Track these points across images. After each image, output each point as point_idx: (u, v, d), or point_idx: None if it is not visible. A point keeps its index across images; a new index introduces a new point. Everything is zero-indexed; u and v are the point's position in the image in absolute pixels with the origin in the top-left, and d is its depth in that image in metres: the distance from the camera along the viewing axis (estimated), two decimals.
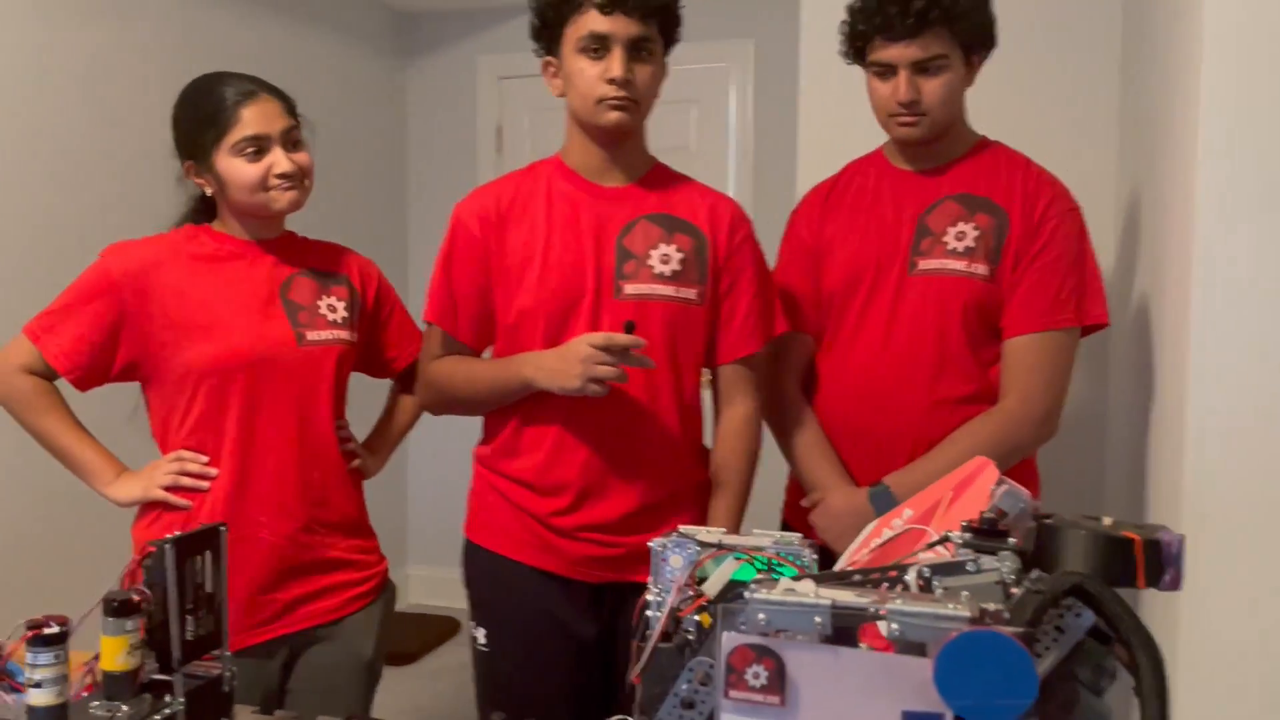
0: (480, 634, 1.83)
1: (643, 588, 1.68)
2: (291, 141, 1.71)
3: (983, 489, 1.09)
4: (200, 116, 1.70)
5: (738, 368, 1.83)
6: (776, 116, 3.72)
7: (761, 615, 0.78)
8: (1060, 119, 2.50)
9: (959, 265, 1.78)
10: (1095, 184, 1.95)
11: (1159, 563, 0.83)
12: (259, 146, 1.68)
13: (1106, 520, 0.91)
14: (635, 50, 1.71)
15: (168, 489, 1.69)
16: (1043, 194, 1.79)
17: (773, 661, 0.76)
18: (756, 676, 0.77)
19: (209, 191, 1.74)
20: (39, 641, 1.08)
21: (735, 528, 1.78)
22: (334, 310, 1.79)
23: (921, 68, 1.74)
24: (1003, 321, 1.78)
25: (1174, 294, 1.72)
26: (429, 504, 4.39)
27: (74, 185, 2.80)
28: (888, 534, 1.15)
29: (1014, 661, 0.71)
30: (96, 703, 1.17)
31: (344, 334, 1.78)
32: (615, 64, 1.69)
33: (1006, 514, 0.95)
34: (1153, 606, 1.64)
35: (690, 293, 1.77)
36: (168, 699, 1.21)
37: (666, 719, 0.89)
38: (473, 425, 1.87)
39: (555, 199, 1.80)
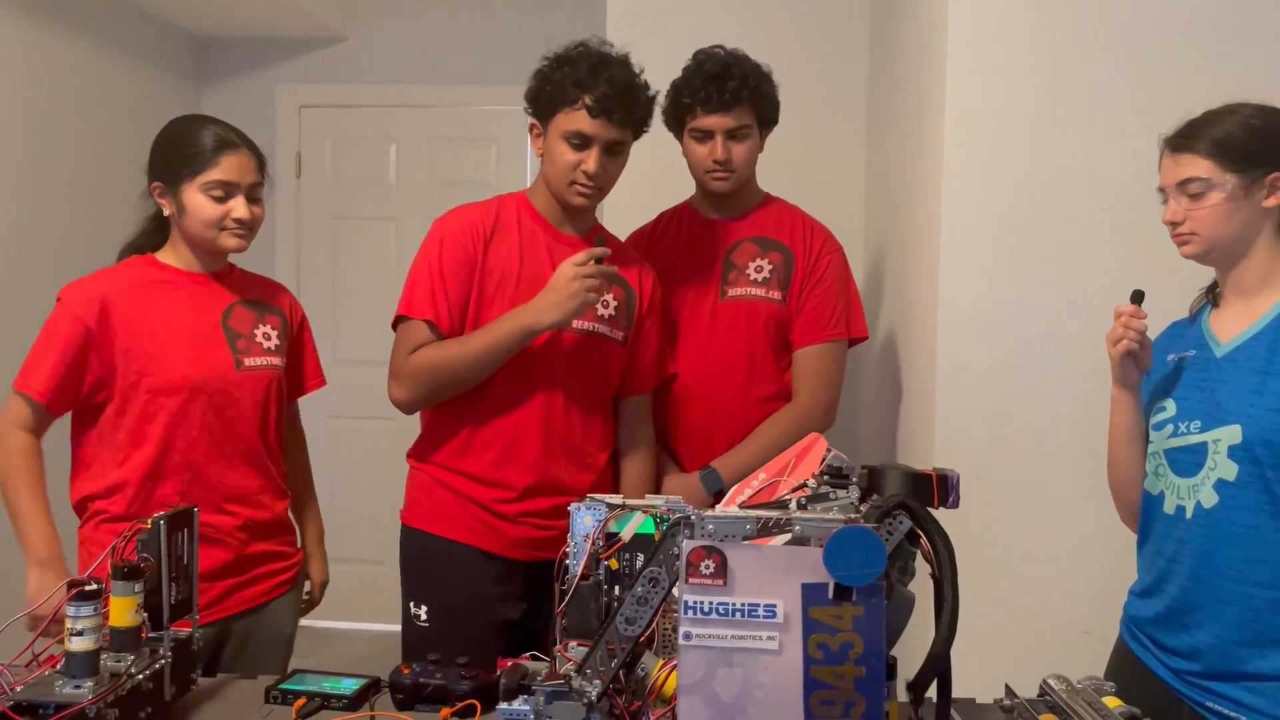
0: (422, 611, 2.05)
1: None
2: (254, 195, 1.92)
3: (816, 455, 1.53)
4: (183, 150, 1.88)
5: (644, 399, 2.20)
6: None
7: (710, 526, 1.15)
8: (817, 180, 3.01)
9: (760, 292, 2.26)
10: (845, 231, 2.48)
11: (946, 490, 1.27)
12: (226, 191, 1.87)
13: (908, 466, 1.35)
14: (610, 149, 1.99)
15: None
16: (817, 237, 2.31)
17: (718, 556, 1.14)
18: (707, 568, 1.14)
19: (167, 212, 1.92)
20: (81, 597, 1.27)
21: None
22: (269, 338, 2.00)
23: (732, 134, 2.20)
24: (792, 335, 2.27)
25: (922, 319, 2.26)
26: None
27: None
28: (749, 492, 1.56)
29: (871, 545, 1.12)
30: (106, 654, 1.36)
31: (276, 360, 2.01)
32: (592, 162, 1.96)
33: (840, 467, 1.38)
34: None
35: (619, 334, 2.11)
36: (160, 652, 1.42)
37: (626, 611, 1.23)
38: None
39: (525, 235, 2.06)
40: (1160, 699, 1.60)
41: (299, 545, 2.11)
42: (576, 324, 2.03)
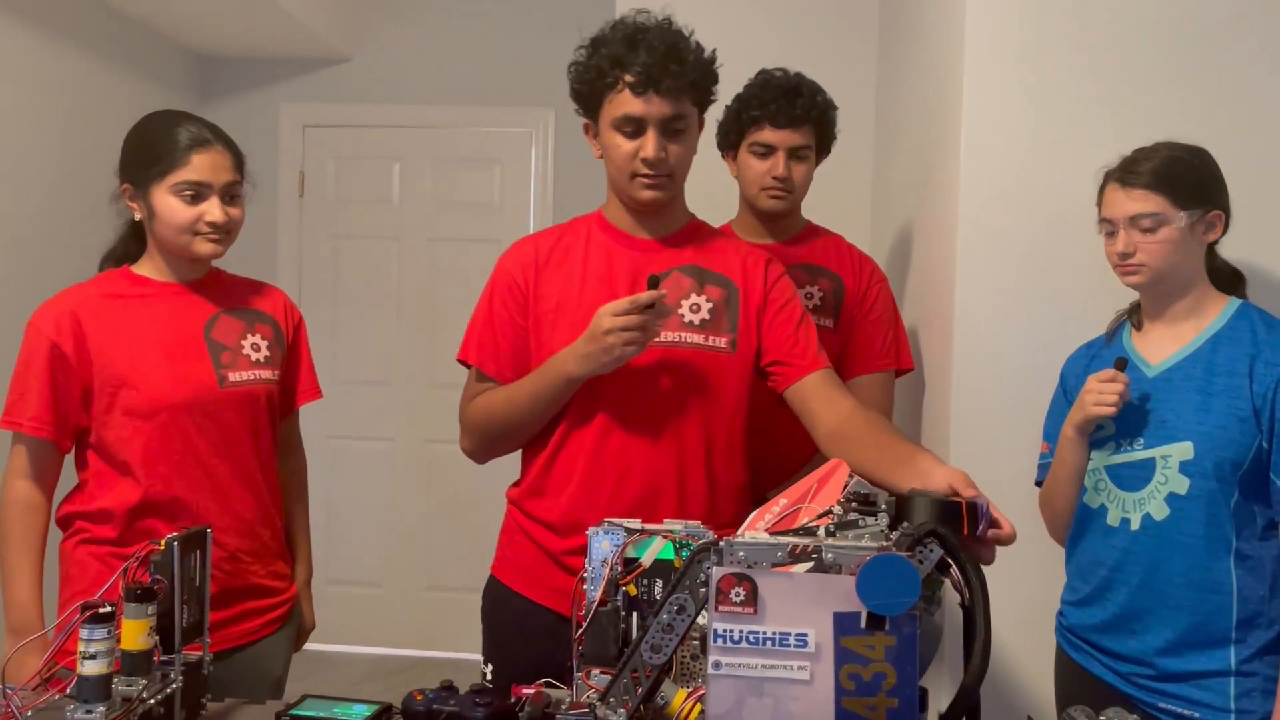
0: (488, 670, 1.83)
1: None
2: (230, 195, 1.79)
3: (838, 482, 1.51)
4: (152, 149, 1.76)
5: (822, 374, 1.81)
6: (575, 178, 4.12)
7: (741, 552, 1.13)
8: (822, 190, 3.02)
9: (814, 319, 2.21)
10: (851, 240, 2.47)
11: (976, 518, 1.27)
12: (198, 192, 1.74)
13: (936, 493, 1.33)
14: (668, 128, 1.75)
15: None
16: (865, 266, 2.29)
17: (749, 584, 1.12)
18: (737, 595, 1.12)
19: (138, 217, 1.80)
20: (94, 619, 1.24)
21: None
22: (257, 350, 1.86)
23: (794, 152, 2.19)
24: (845, 364, 2.22)
25: (938, 332, 2.26)
26: None
27: None
28: (768, 518, 1.54)
29: (905, 573, 1.10)
30: (118, 678, 1.33)
31: (266, 373, 1.87)
32: (649, 145, 1.73)
33: (868, 494, 1.36)
34: None
35: (721, 341, 1.81)
36: (171, 676, 1.39)
37: (652, 638, 1.20)
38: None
39: (592, 249, 1.85)
40: (1112, 703, 1.61)
41: (291, 579, 1.97)
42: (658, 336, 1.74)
